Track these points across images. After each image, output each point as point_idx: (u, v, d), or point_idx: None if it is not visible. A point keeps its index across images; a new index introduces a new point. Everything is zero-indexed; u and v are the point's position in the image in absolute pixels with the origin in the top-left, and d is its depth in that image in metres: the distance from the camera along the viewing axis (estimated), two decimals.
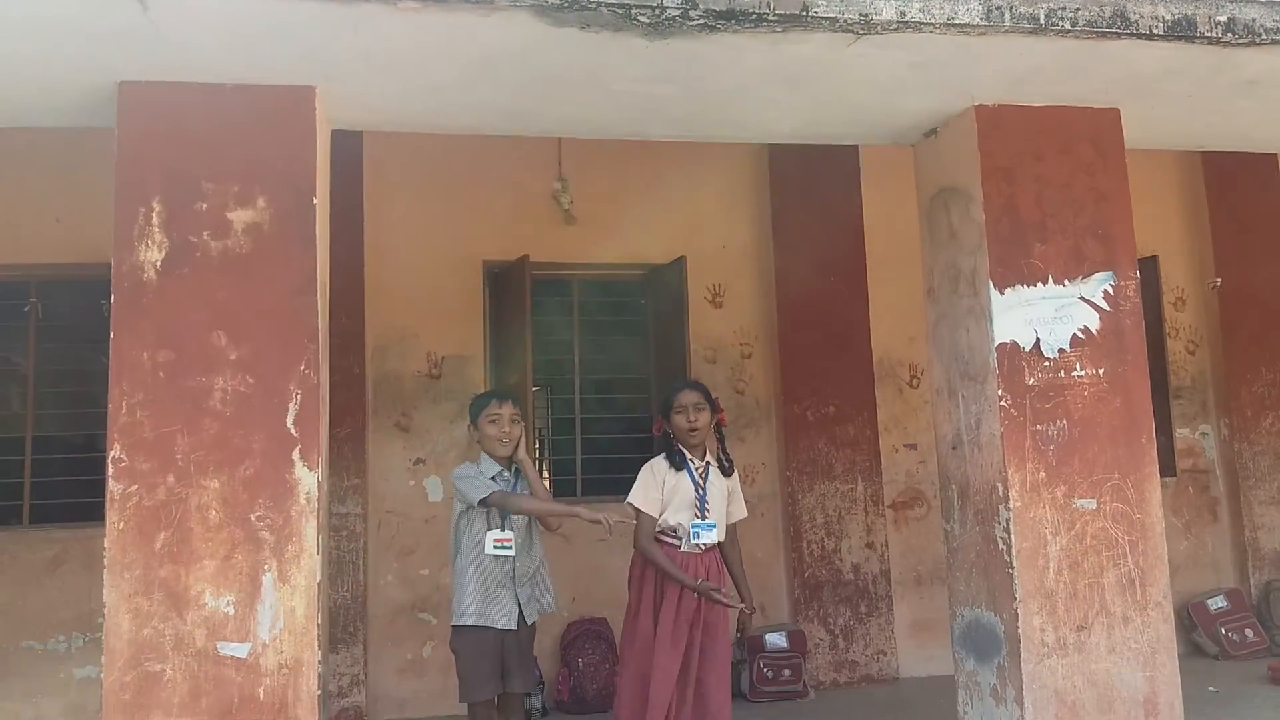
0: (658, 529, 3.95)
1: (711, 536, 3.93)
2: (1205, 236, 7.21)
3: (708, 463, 4.05)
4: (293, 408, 3.46)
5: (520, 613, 3.81)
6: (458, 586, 3.84)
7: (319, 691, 3.39)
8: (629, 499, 3.99)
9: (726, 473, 4.09)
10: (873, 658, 6.37)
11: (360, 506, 5.92)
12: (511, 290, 6.15)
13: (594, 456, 6.91)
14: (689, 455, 4.02)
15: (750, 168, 6.72)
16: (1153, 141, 4.68)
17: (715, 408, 4.09)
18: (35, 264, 5.81)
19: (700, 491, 3.97)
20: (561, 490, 6.83)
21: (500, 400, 3.90)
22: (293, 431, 3.46)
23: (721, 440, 4.15)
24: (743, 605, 4.00)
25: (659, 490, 3.97)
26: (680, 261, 6.37)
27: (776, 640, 6.13)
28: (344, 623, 5.85)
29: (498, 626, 3.77)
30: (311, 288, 3.52)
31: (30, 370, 5.95)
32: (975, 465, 4.16)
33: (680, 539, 3.94)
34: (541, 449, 11.86)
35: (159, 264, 3.46)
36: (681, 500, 3.95)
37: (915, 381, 6.76)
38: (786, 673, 6.06)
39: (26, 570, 5.67)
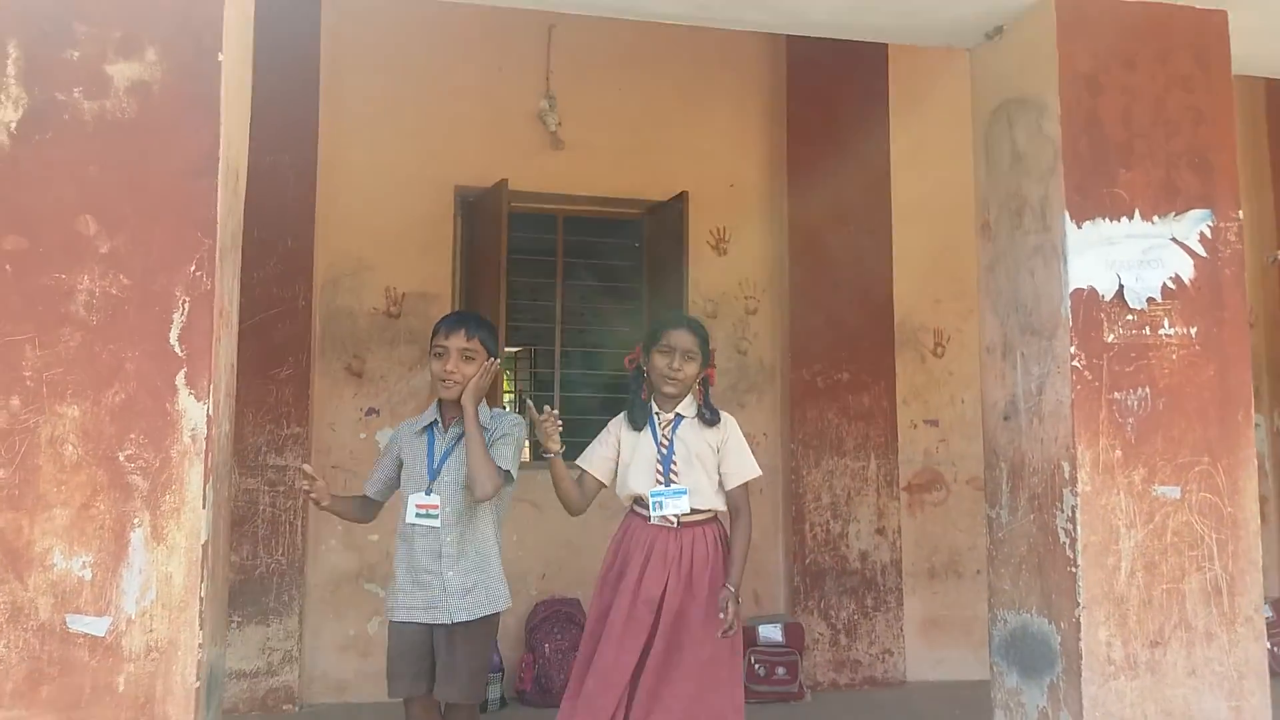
0: (628, 497, 3.28)
1: (680, 506, 3.17)
2: (1268, 197, 6.45)
3: (678, 415, 3.28)
4: (178, 319, 2.68)
5: (451, 607, 3.00)
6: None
7: (198, 683, 2.63)
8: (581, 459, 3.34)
9: (709, 422, 3.28)
10: (878, 657, 5.65)
11: (301, 460, 5.14)
12: (487, 221, 5.37)
13: (578, 418, 6.15)
14: (656, 407, 3.27)
15: (764, 96, 5.93)
16: (1258, 64, 3.91)
17: (708, 360, 3.33)
18: None
19: (664, 451, 3.21)
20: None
21: (450, 328, 3.07)
22: (177, 350, 2.68)
23: (705, 392, 3.37)
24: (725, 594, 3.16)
25: (612, 448, 3.29)
26: (681, 198, 5.59)
27: (771, 633, 5.41)
28: (277, 591, 5.10)
29: (419, 621, 2.99)
30: (211, 168, 2.73)
31: None
32: (1034, 439, 3.41)
33: (649, 510, 3.20)
34: (521, 411, 11.18)
35: (14, 126, 2.66)
36: (642, 463, 3.21)
37: (940, 350, 6.00)
38: (781, 670, 5.34)
39: None
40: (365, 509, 3.29)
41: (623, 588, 3.12)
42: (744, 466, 3.30)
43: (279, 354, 5.12)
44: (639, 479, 3.21)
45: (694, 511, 3.19)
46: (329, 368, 5.36)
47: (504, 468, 3.10)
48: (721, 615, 3.08)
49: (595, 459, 3.31)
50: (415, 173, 5.43)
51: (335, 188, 5.30)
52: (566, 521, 5.54)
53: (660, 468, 3.19)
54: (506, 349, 11.68)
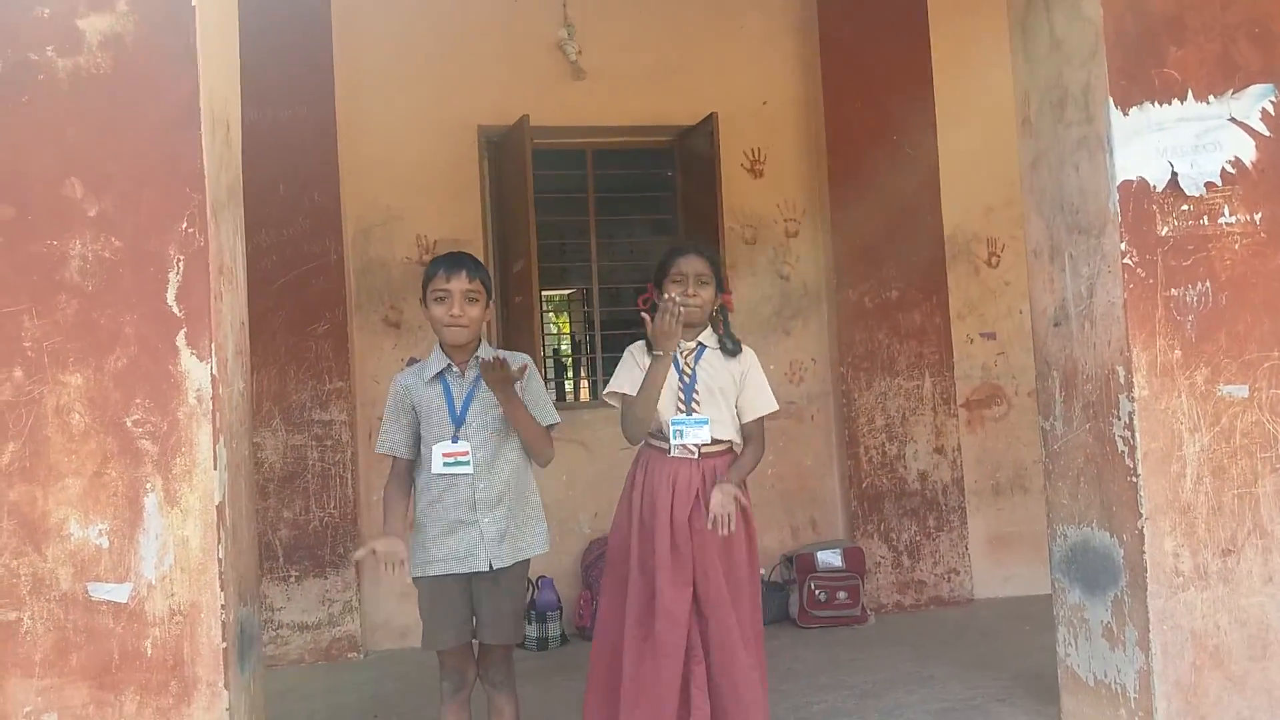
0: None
1: (702, 435, 3.02)
2: None
3: (700, 344, 3.13)
4: (174, 278, 2.62)
5: (489, 554, 2.87)
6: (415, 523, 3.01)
7: (225, 643, 2.60)
8: (611, 386, 3.14)
9: (730, 353, 3.14)
10: (943, 577, 5.51)
11: (346, 413, 5.13)
12: (512, 160, 5.23)
13: (616, 356, 6.06)
14: None
15: (794, 6, 5.65)
16: None
17: (722, 286, 3.17)
18: None
19: (687, 380, 3.07)
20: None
21: (450, 270, 2.89)
22: (175, 310, 2.61)
23: (725, 322, 3.21)
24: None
25: (639, 374, 3.09)
26: (710, 120, 5.36)
27: (830, 558, 5.29)
28: (333, 544, 5.12)
29: (454, 572, 2.89)
30: (193, 120, 2.64)
31: None
32: (1086, 345, 3.20)
33: (668, 441, 3.06)
34: (577, 354, 11.11)
35: None
36: (664, 391, 3.04)
37: (995, 260, 5.74)
38: (842, 595, 5.24)
39: None
40: (410, 481, 3.02)
41: (658, 525, 3.00)
42: (762, 400, 3.15)
43: (315, 310, 5.08)
44: (663, 406, 3.06)
45: (714, 442, 3.06)
46: (366, 320, 5.31)
47: (553, 422, 3.01)
48: (717, 502, 2.92)
49: (634, 382, 3.10)
50: (436, 115, 5.30)
51: (357, 137, 5.20)
52: (615, 460, 5.48)
53: (682, 396, 3.06)
54: (554, 292, 11.53)
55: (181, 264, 2.62)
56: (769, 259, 5.59)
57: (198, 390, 2.62)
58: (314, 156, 5.06)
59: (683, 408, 3.05)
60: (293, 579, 5.07)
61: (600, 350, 5.86)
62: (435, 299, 2.91)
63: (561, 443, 5.38)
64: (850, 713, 3.84)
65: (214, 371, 2.63)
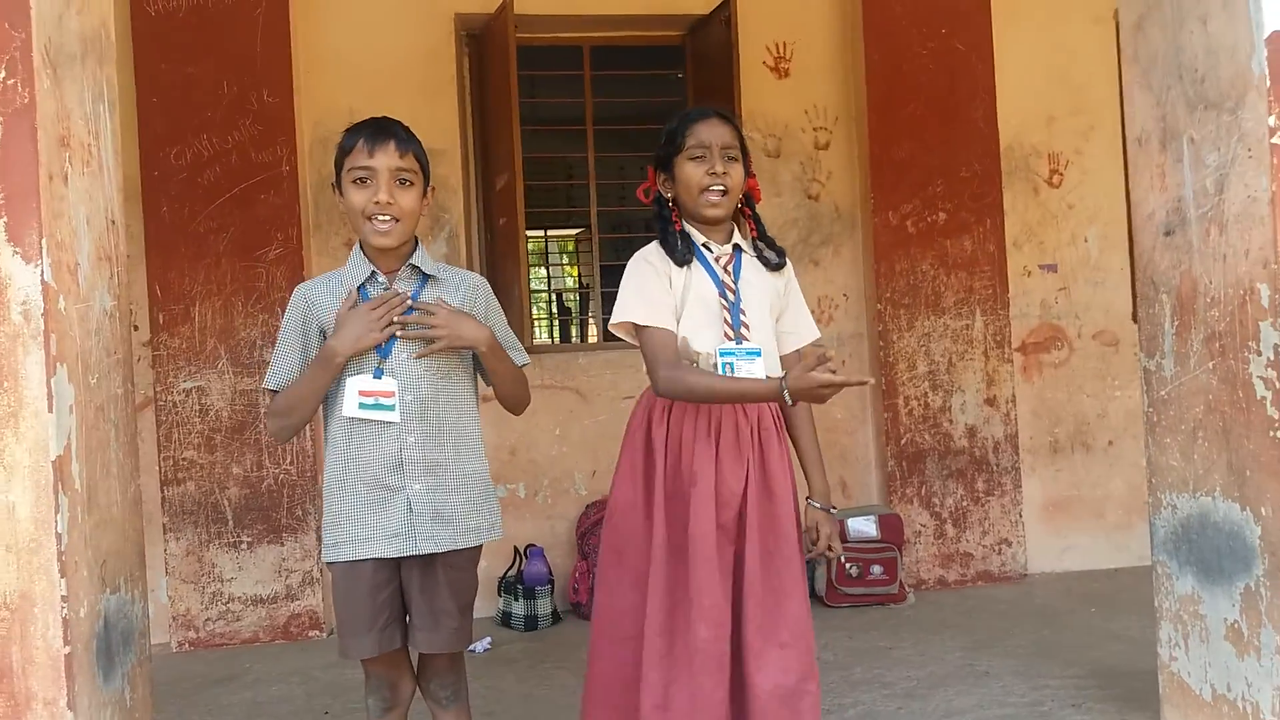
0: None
1: (755, 370, 2.25)
2: None
3: (736, 247, 2.36)
4: None
5: (420, 533, 2.16)
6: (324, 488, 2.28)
7: (67, 648, 1.93)
8: (617, 316, 2.32)
9: (773, 265, 2.38)
10: (992, 549, 4.80)
11: None
12: (494, 56, 4.49)
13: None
14: (702, 237, 2.35)
15: None
16: None
17: (749, 166, 2.37)
18: None
19: (731, 297, 2.31)
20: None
21: (374, 141, 2.13)
22: None
23: (758, 220, 2.44)
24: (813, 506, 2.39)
25: (663, 289, 2.29)
26: (727, 6, 4.59)
27: (863, 527, 4.60)
28: (289, 505, 4.46)
29: (376, 556, 2.15)
30: None
31: None
32: (1212, 257, 2.45)
33: None
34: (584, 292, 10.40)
35: None
36: (702, 311, 2.28)
37: (1057, 178, 4.97)
38: (877, 569, 4.55)
39: None
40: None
41: (697, 495, 2.24)
42: (807, 323, 2.43)
43: (265, 231, 4.39)
44: (700, 334, 2.28)
45: (766, 379, 2.29)
46: (326, 244, 4.61)
47: (524, 363, 2.35)
48: (813, 543, 2.37)
49: (657, 307, 2.28)
50: (406, 1, 4.56)
51: (314, 26, 4.49)
52: (616, 411, 4.80)
53: (728, 318, 2.29)
54: (561, 233, 10.73)
55: None
56: (795, 175, 4.85)
57: (23, 303, 1.91)
58: (263, 48, 4.36)
59: (730, 334, 2.27)
60: (244, 546, 4.42)
61: (599, 285, 5.14)
62: (354, 181, 2.16)
63: (555, 391, 4.77)
64: (892, 717, 3.15)
65: (47, 278, 1.93)
